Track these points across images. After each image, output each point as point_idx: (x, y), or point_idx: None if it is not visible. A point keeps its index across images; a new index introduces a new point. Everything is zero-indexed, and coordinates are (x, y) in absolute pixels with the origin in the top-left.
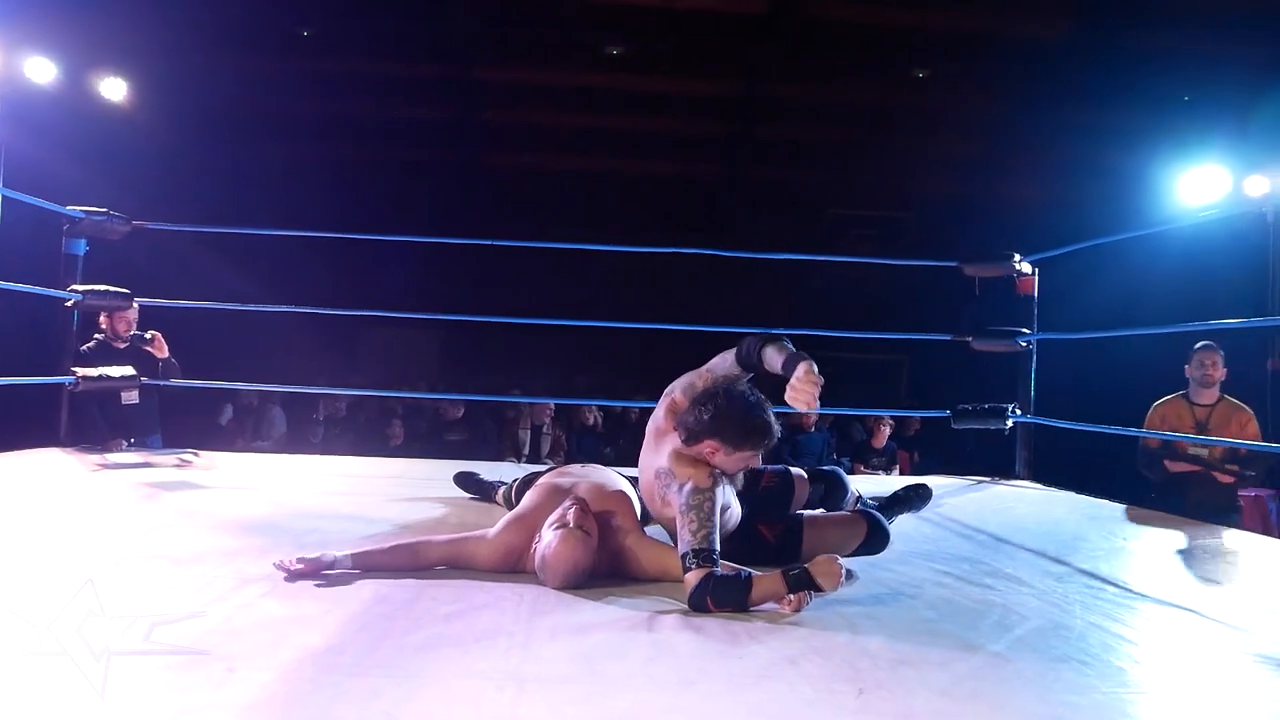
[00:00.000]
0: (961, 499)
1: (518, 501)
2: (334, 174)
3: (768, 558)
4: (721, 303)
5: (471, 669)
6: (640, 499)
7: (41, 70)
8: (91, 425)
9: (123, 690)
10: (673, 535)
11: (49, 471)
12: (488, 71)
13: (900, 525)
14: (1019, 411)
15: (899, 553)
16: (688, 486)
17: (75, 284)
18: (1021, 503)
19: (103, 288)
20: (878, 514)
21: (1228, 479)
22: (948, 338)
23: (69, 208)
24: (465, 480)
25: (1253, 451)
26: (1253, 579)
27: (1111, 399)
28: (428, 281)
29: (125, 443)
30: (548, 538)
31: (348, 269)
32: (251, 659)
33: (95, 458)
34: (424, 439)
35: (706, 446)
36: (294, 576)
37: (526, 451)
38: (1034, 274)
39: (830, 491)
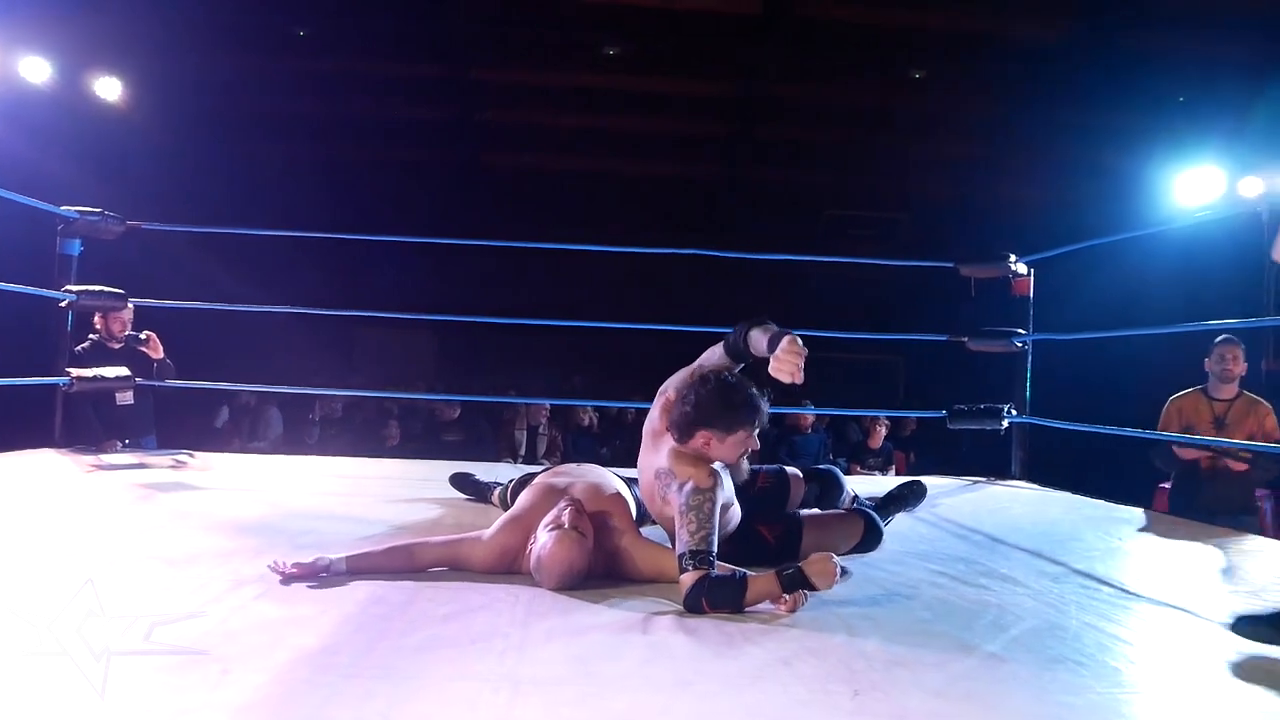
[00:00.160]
0: (957, 499)
1: (513, 502)
2: (331, 174)
3: (768, 558)
4: (719, 303)
5: (467, 670)
6: (637, 500)
7: (36, 70)
8: (86, 426)
9: (117, 692)
10: (672, 536)
11: (43, 472)
12: (486, 72)
13: (896, 526)
14: (1014, 412)
15: (895, 553)
16: (688, 486)
17: (70, 284)
18: (1017, 503)
19: (97, 288)
20: (872, 512)
21: (1241, 466)
22: (944, 338)
23: (63, 208)
24: (461, 481)
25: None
26: (1250, 579)
27: (1107, 399)
28: (425, 281)
29: (120, 444)
30: (543, 539)
31: (344, 269)
32: (246, 660)
33: (90, 459)
34: (420, 440)
35: (700, 439)
36: (289, 580)
37: (523, 452)
38: (1029, 274)
39: (826, 490)
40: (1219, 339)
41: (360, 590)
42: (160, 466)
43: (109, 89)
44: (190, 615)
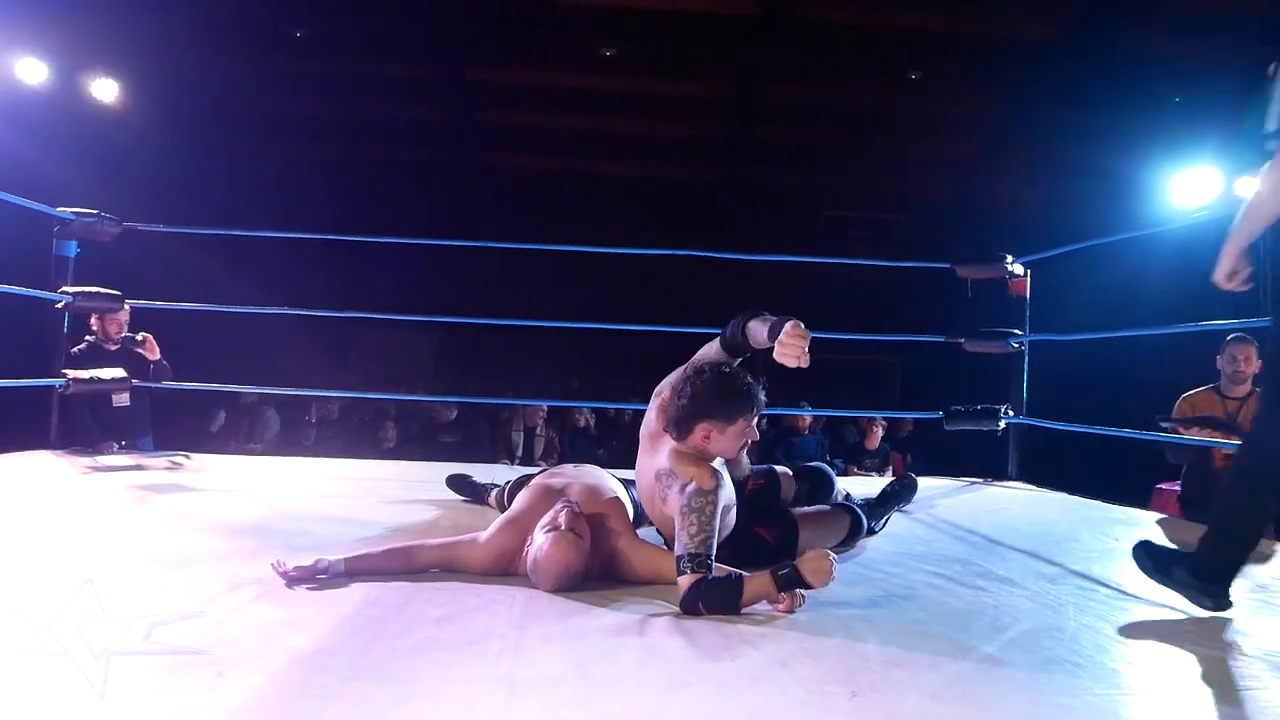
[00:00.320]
0: (954, 500)
1: (510, 504)
2: (329, 175)
3: (768, 560)
4: (718, 303)
5: (463, 673)
6: (635, 502)
7: (32, 71)
8: (82, 428)
9: (113, 694)
10: (670, 539)
11: (39, 474)
12: (485, 72)
13: (893, 527)
14: (1011, 413)
15: (892, 554)
16: (690, 487)
17: (66, 286)
18: (1014, 504)
19: (94, 289)
20: (856, 507)
21: None
22: (941, 339)
23: (60, 209)
24: (458, 483)
25: None
26: (1252, 576)
27: (1104, 400)
28: (422, 283)
29: (116, 445)
30: (540, 540)
31: (341, 269)
32: (242, 662)
33: (86, 460)
34: (417, 441)
35: (699, 433)
36: (289, 582)
37: (520, 453)
38: (1026, 275)
39: (816, 488)
40: (1230, 338)
41: (357, 592)
42: (157, 468)
43: (105, 90)
44: (186, 617)
